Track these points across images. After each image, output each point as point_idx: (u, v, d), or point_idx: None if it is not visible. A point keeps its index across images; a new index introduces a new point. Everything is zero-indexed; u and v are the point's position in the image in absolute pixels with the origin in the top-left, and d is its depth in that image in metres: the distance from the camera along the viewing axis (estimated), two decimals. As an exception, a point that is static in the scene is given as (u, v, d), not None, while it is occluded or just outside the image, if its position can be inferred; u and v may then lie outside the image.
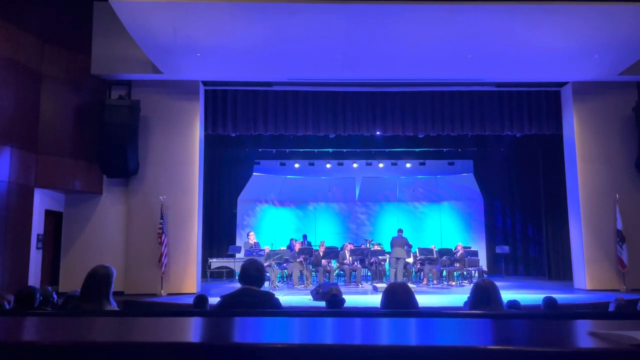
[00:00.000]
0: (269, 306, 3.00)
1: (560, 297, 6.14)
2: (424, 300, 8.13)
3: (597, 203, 10.43)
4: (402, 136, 12.01)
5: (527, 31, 8.31)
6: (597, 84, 10.57)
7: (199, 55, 9.15)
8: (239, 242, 13.65)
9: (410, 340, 1.32)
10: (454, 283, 11.59)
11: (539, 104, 11.30)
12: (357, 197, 15.72)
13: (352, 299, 7.81)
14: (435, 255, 11.89)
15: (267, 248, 11.84)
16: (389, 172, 15.33)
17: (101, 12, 9.79)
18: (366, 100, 11.27)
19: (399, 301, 2.67)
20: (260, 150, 14.06)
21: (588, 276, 10.27)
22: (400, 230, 11.92)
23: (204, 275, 11.75)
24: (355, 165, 14.93)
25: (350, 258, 11.83)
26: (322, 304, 7.49)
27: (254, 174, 14.82)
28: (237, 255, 12.62)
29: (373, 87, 11.14)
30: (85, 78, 9.94)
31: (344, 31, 8.33)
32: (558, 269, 13.02)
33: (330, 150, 14.02)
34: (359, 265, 11.89)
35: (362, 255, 12.07)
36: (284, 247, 12.59)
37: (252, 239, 11.85)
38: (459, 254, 11.82)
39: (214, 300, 4.97)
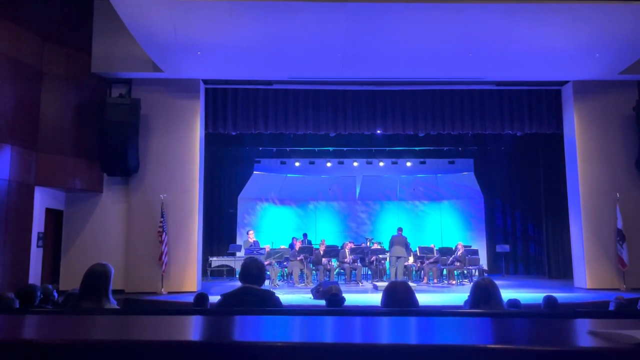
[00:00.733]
0: (270, 305, 3.00)
1: (560, 296, 6.15)
2: (424, 299, 8.14)
3: (598, 202, 10.42)
4: (402, 135, 12.01)
5: (527, 30, 8.30)
6: (597, 83, 10.56)
7: (199, 53, 9.14)
8: (239, 241, 13.66)
9: (410, 339, 1.32)
10: (454, 282, 11.60)
11: (540, 103, 11.29)
12: (357, 195, 15.72)
13: (352, 298, 7.81)
14: (435, 254, 11.89)
15: (267, 247, 11.85)
16: (390, 170, 15.32)
17: (101, 10, 9.79)
18: (366, 99, 11.26)
19: (399, 299, 2.67)
20: (260, 148, 14.06)
21: (588, 275, 10.27)
22: (400, 229, 11.93)
23: (204, 273, 11.76)
24: (355, 164, 14.92)
25: (351, 257, 11.83)
26: (323, 302, 7.50)
27: (254, 172, 14.82)
28: (238, 254, 12.63)
29: (373, 86, 11.13)
30: (85, 76, 9.93)
31: (345, 30, 8.32)
32: (558, 267, 13.02)
33: (331, 149, 14.02)
34: (359, 264, 11.90)
35: (363, 253, 12.07)
36: (284, 246, 12.59)
37: (252, 237, 11.86)
38: (459, 252, 11.82)
39: (214, 298, 4.97)
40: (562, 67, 9.90)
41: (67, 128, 9.65)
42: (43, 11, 9.26)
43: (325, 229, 15.21)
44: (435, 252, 11.98)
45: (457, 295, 8.99)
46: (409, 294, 2.71)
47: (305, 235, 13.51)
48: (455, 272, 11.82)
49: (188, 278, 10.04)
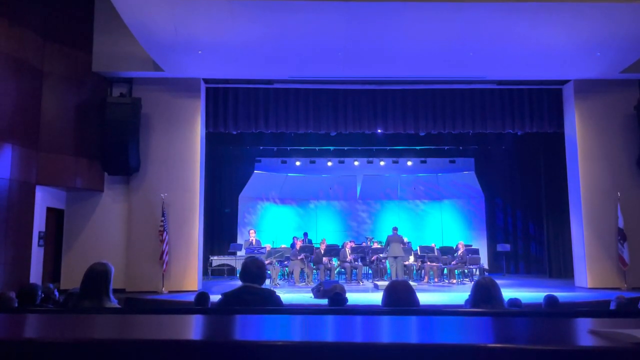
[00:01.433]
0: (270, 304, 3.00)
1: (561, 295, 6.15)
2: (425, 298, 8.14)
3: (599, 201, 10.41)
4: (403, 134, 12.00)
5: (528, 29, 8.29)
6: (598, 82, 10.54)
7: (200, 52, 9.14)
8: (240, 240, 13.66)
9: (411, 338, 1.32)
10: (455, 281, 11.59)
11: (541, 102, 11.28)
12: (358, 195, 15.71)
13: (353, 297, 7.80)
14: (436, 253, 11.88)
15: (268, 246, 11.84)
16: (390, 170, 15.31)
17: (102, 9, 9.78)
18: (367, 98, 11.25)
19: (400, 299, 2.66)
20: (261, 148, 14.06)
21: (589, 274, 10.27)
22: (395, 229, 11.77)
23: (205, 272, 11.76)
24: (356, 163, 14.92)
25: (351, 256, 11.83)
26: (323, 301, 7.50)
27: (255, 171, 14.82)
28: (238, 253, 12.62)
29: (374, 85, 11.12)
30: (86, 75, 9.94)
31: (345, 29, 8.32)
32: (559, 267, 13.01)
33: (332, 148, 14.02)
34: (359, 263, 11.89)
35: (363, 253, 12.06)
36: (285, 245, 12.59)
37: (253, 236, 11.86)
38: (460, 252, 11.81)
39: (215, 297, 4.98)
40: (563, 66, 9.89)
41: (68, 127, 9.66)
42: (44, 10, 9.27)
43: (326, 228, 15.21)
44: (436, 251, 11.97)
45: (457, 295, 8.99)
46: (410, 293, 2.70)
47: (305, 234, 13.51)
48: (455, 271, 11.82)
49: (189, 277, 10.05)
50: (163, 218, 9.85)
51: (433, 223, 15.43)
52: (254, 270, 3.17)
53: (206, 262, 12.16)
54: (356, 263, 11.83)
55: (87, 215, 10.25)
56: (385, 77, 10.70)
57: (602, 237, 10.32)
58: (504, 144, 13.80)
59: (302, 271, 11.33)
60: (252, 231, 12.25)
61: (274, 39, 8.72)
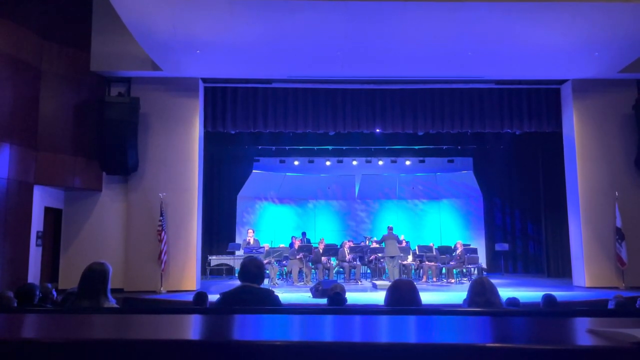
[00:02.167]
0: (269, 303, 3.00)
1: (559, 294, 6.16)
2: (423, 297, 8.10)
3: (597, 201, 10.43)
4: (401, 134, 12.00)
5: (527, 28, 8.30)
6: (597, 82, 10.56)
7: (198, 52, 9.13)
8: (238, 240, 13.65)
9: (409, 338, 1.32)
10: (453, 280, 11.60)
11: (539, 102, 11.29)
12: (356, 194, 15.72)
13: (351, 297, 7.79)
14: (434, 253, 11.89)
15: (266, 245, 11.84)
16: (389, 169, 15.32)
17: (101, 8, 9.77)
18: (366, 98, 11.25)
19: (403, 298, 2.66)
20: (259, 147, 14.06)
21: (587, 274, 10.28)
22: (390, 228, 11.69)
23: (203, 272, 11.76)
24: (354, 162, 14.92)
25: (350, 255, 11.83)
26: (322, 301, 7.50)
27: (253, 171, 14.82)
28: (237, 253, 12.62)
29: (373, 85, 11.12)
30: (84, 75, 9.92)
31: (344, 29, 8.31)
32: (557, 266, 13.03)
33: (330, 147, 14.02)
34: (358, 263, 11.90)
35: (362, 252, 12.07)
36: (283, 245, 12.59)
37: (251, 236, 11.86)
38: (458, 251, 11.82)
39: (213, 297, 4.97)
40: (561, 65, 9.89)
41: (66, 127, 9.64)
42: (42, 10, 9.25)
43: (324, 228, 15.21)
44: (434, 250, 11.97)
45: (456, 294, 9.00)
46: (413, 293, 2.69)
47: (304, 234, 13.51)
48: (454, 270, 11.83)
49: (187, 277, 10.05)
50: (161, 218, 9.84)
51: (431, 222, 15.44)
52: (253, 269, 3.17)
53: (204, 261, 12.15)
54: (355, 262, 11.83)
55: (85, 215, 10.24)
56: (383, 76, 10.70)
57: (600, 236, 10.34)
58: (503, 144, 13.81)
59: (300, 271, 11.34)
60: (250, 231, 12.25)
61: (273, 39, 8.71)
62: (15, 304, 4.30)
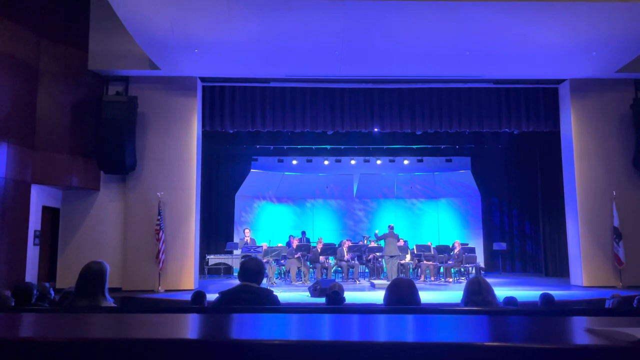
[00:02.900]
0: (267, 303, 3.00)
1: (557, 293, 6.16)
2: (421, 296, 8.13)
3: (594, 200, 10.45)
4: (399, 133, 12.01)
5: (525, 28, 8.31)
6: (594, 81, 10.57)
7: (196, 51, 9.12)
8: (236, 239, 13.65)
9: (407, 337, 1.32)
10: (451, 280, 11.62)
11: (537, 101, 11.31)
12: (354, 193, 15.72)
13: (350, 296, 7.80)
14: (432, 252, 11.90)
15: (264, 245, 11.84)
16: (387, 168, 15.33)
17: (98, 7, 9.74)
18: (364, 97, 11.25)
19: (402, 296, 2.65)
20: (258, 146, 14.06)
21: (585, 273, 10.30)
22: (391, 227, 11.71)
23: (201, 271, 11.76)
24: (353, 162, 14.93)
25: (348, 255, 11.84)
26: (320, 300, 7.51)
27: (251, 170, 14.81)
28: (235, 252, 12.62)
29: (371, 84, 11.12)
30: (82, 74, 9.90)
31: (342, 28, 8.31)
32: (555, 265, 13.06)
33: (328, 147, 14.02)
34: (356, 262, 11.90)
35: (360, 251, 12.07)
36: (282, 244, 12.59)
37: (248, 235, 11.87)
38: (456, 250, 11.84)
39: (211, 296, 4.97)
40: (559, 65, 9.91)
41: (64, 125, 9.62)
42: (39, 8, 9.22)
43: (322, 227, 15.21)
44: (432, 249, 11.98)
45: (454, 293, 9.01)
46: (413, 292, 2.68)
47: (302, 233, 13.51)
48: (452, 270, 11.84)
49: (185, 276, 10.04)
50: (159, 217, 9.83)
51: (429, 222, 15.45)
52: (253, 269, 3.18)
53: (202, 261, 12.14)
54: (353, 262, 11.84)
55: (83, 214, 10.22)
56: (381, 75, 10.70)
57: (597, 235, 10.36)
58: (501, 143, 13.83)
59: (298, 270, 11.34)
60: (247, 230, 12.25)
61: (271, 38, 8.71)
62: (13, 303, 4.29)
